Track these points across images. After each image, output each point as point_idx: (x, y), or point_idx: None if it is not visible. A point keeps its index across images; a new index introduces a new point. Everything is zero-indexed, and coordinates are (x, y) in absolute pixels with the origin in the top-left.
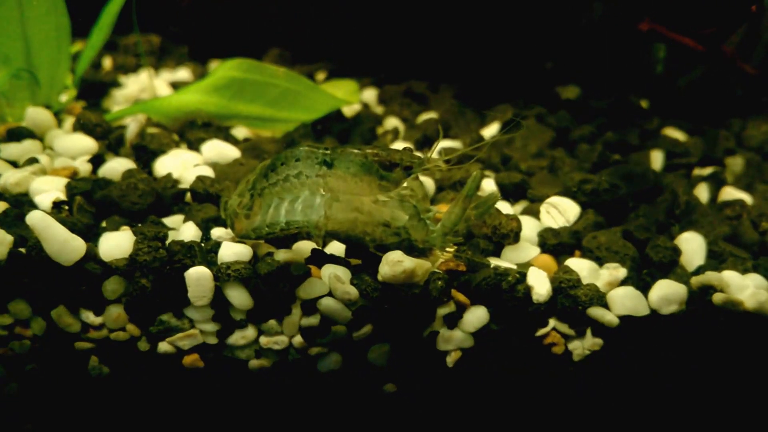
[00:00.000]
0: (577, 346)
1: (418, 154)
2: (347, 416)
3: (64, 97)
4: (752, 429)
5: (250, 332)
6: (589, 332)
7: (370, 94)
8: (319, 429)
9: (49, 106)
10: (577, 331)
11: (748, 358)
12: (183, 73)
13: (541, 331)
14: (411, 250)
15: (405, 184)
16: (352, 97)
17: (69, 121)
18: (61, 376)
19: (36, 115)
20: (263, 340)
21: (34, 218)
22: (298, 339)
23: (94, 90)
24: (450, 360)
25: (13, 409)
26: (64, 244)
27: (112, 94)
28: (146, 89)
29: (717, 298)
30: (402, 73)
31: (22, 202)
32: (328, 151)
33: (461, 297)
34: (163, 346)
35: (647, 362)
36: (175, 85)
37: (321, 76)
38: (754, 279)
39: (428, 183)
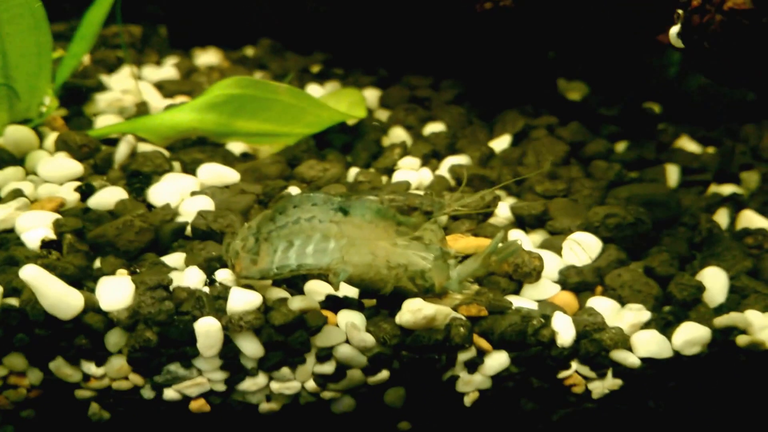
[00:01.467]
0: (597, 386)
1: (438, 198)
2: None
3: (44, 108)
4: None
5: (260, 379)
6: (609, 373)
7: (371, 95)
8: None
9: (28, 120)
10: (598, 373)
11: None
12: (168, 71)
13: (563, 374)
14: (426, 291)
15: (423, 228)
16: (357, 109)
17: (51, 138)
18: (59, 421)
19: (16, 133)
20: (275, 386)
21: (28, 274)
22: (311, 384)
23: (75, 96)
24: (468, 400)
25: None
26: (62, 298)
27: (94, 99)
28: (130, 91)
29: (741, 340)
30: (401, 65)
31: (8, 240)
32: (345, 199)
33: (483, 343)
34: (169, 393)
35: (666, 399)
36: (161, 86)
37: (316, 68)
38: None
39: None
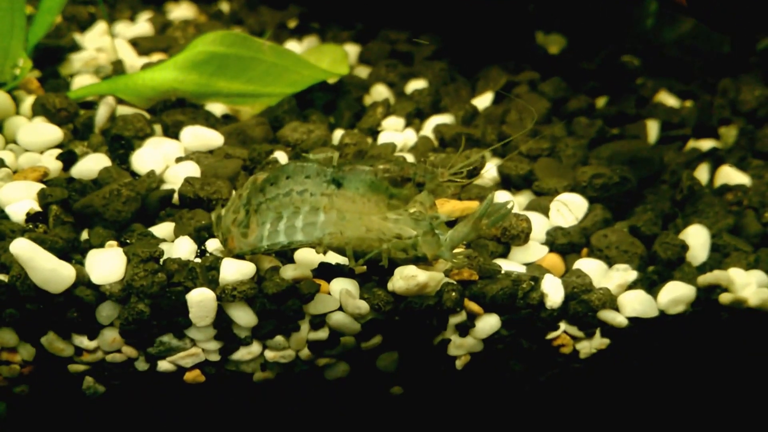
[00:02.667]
0: (585, 346)
1: (431, 168)
2: (354, 418)
3: (17, 70)
4: (755, 424)
5: (255, 348)
6: (597, 333)
7: (351, 51)
8: (327, 430)
9: (1, 84)
10: (586, 333)
11: (753, 353)
12: (142, 26)
13: (552, 335)
14: (417, 260)
15: (414, 199)
16: (339, 66)
17: (27, 101)
18: (53, 396)
19: None
20: (269, 354)
21: (19, 248)
22: (305, 352)
23: (49, 56)
24: (459, 363)
25: (2, 427)
26: (52, 272)
27: (69, 59)
28: (105, 49)
29: (724, 298)
30: (378, 18)
31: None
32: (338, 170)
33: (474, 306)
34: (164, 365)
35: (652, 357)
36: (136, 43)
37: (292, 23)
38: (756, 276)
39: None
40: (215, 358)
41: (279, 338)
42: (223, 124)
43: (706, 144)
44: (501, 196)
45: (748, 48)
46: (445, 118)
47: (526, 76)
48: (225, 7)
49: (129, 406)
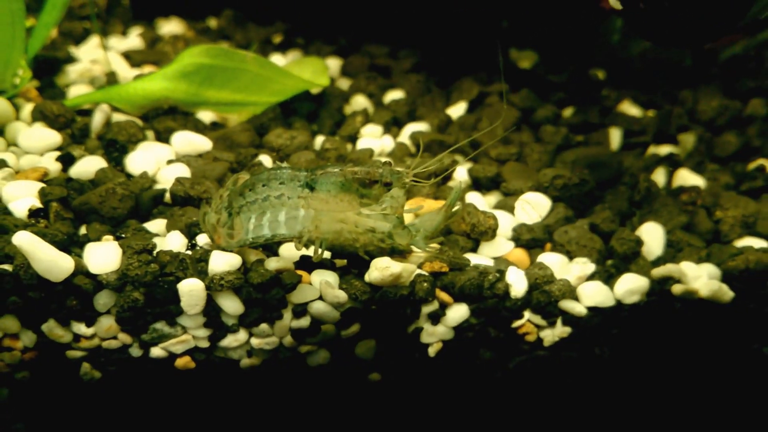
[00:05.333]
0: (548, 334)
1: (398, 168)
2: (335, 403)
3: (17, 80)
4: (706, 400)
5: (241, 335)
6: (559, 322)
7: (332, 64)
8: (309, 415)
9: (2, 91)
10: (548, 321)
11: (702, 339)
12: (134, 41)
13: (517, 323)
14: (393, 252)
15: (384, 197)
16: (320, 77)
17: (26, 108)
18: (52, 381)
19: None
20: (255, 341)
21: (22, 239)
22: (288, 339)
23: (46, 67)
24: (432, 351)
25: (3, 411)
26: (53, 262)
27: (65, 70)
28: (99, 61)
29: (676, 289)
30: (359, 35)
31: None
32: (310, 173)
33: (445, 296)
34: (156, 351)
35: (611, 345)
36: (128, 56)
37: (277, 38)
38: (707, 269)
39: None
40: (205, 344)
41: (264, 326)
42: (211, 130)
43: (665, 150)
44: (471, 197)
45: (709, 61)
46: (420, 126)
47: (497, 88)
48: (213, 23)
49: (123, 391)
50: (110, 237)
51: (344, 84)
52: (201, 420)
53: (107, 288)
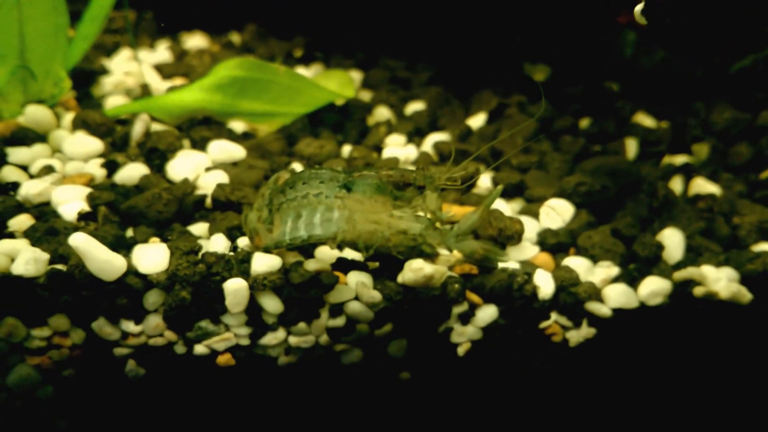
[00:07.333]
0: (574, 335)
1: (430, 173)
2: (366, 401)
3: (57, 90)
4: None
5: (280, 334)
6: (584, 323)
7: (354, 77)
8: (342, 412)
9: (43, 100)
10: (574, 322)
11: (723, 340)
12: (163, 54)
13: (544, 324)
14: (422, 253)
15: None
16: (346, 89)
17: (67, 117)
18: (97, 378)
19: (36, 113)
20: (293, 339)
21: (78, 240)
22: (324, 338)
23: (83, 78)
24: (461, 350)
25: (47, 408)
26: (107, 263)
27: (99, 82)
28: (132, 73)
29: (698, 291)
30: (377, 49)
31: (46, 213)
32: (348, 175)
33: (475, 297)
34: (199, 349)
35: (635, 346)
36: (159, 68)
37: (298, 52)
38: (726, 272)
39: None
40: (245, 342)
41: (302, 325)
42: (243, 139)
43: (680, 159)
44: (497, 204)
45: (721, 73)
46: (442, 136)
47: (515, 99)
48: (235, 38)
49: (166, 388)
50: (157, 239)
51: (366, 96)
52: (239, 416)
53: (157, 287)
